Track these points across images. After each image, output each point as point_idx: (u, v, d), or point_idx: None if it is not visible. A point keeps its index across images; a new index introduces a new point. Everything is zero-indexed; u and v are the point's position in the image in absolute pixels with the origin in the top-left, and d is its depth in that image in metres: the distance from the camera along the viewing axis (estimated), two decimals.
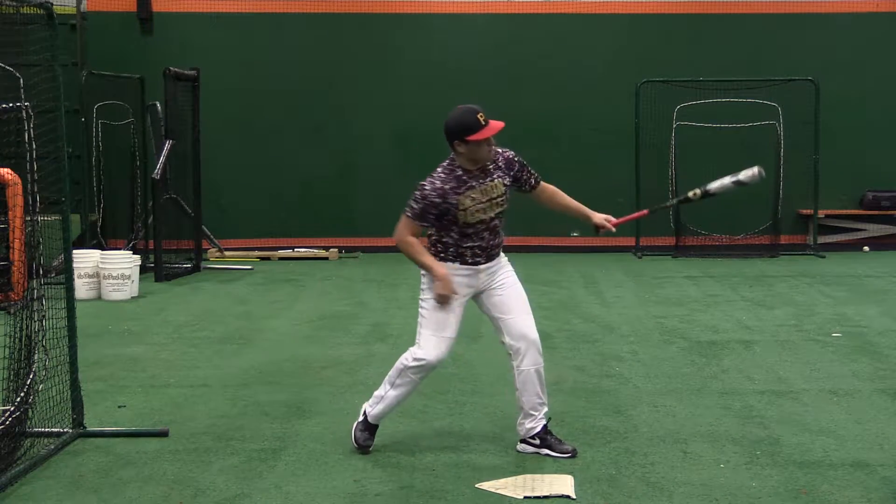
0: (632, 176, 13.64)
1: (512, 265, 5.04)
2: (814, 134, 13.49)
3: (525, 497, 4.36)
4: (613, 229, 5.16)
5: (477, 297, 4.94)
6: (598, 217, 5.20)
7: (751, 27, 14.07)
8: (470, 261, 4.83)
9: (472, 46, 14.11)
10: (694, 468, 4.74)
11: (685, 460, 4.85)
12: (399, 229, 4.79)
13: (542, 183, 5.12)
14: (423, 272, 4.86)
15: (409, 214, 4.77)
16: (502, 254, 5.01)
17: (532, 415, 4.92)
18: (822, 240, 13.83)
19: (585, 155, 14.07)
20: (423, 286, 4.89)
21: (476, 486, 4.51)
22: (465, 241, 4.80)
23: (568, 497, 4.36)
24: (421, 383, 4.98)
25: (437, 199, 4.70)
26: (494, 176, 4.83)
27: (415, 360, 4.83)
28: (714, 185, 5.31)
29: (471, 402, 5.92)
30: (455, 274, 4.80)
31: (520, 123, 14.04)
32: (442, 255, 4.84)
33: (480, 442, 5.18)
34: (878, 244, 14.08)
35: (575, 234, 14.18)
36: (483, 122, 4.68)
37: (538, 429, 4.92)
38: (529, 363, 4.84)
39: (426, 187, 4.73)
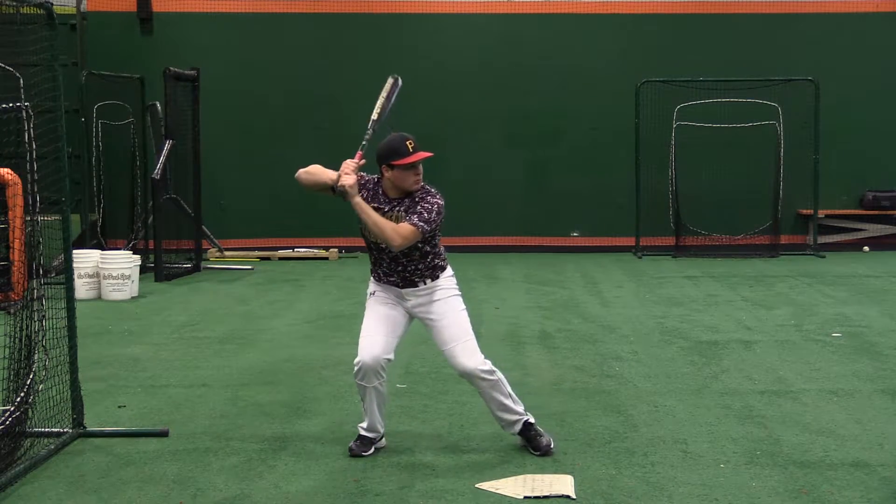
0: (632, 176, 13.65)
1: (457, 289, 5.00)
2: (814, 134, 13.50)
3: (525, 497, 4.36)
4: (351, 173, 4.81)
5: (416, 317, 4.99)
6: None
7: (751, 27, 14.08)
8: (383, 280, 4.96)
9: (472, 46, 14.12)
10: (694, 468, 4.74)
11: (685, 460, 4.85)
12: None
13: (405, 223, 4.71)
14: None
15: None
16: (442, 282, 4.94)
17: (504, 427, 5.02)
18: (822, 240, 13.83)
19: (585, 155, 14.08)
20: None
21: (476, 486, 4.51)
22: (371, 255, 4.96)
23: (568, 497, 4.36)
24: (383, 388, 4.92)
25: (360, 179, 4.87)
26: (403, 207, 4.79)
27: (354, 364, 4.89)
28: (376, 113, 4.98)
29: (471, 402, 5.92)
30: (380, 288, 4.98)
31: (520, 123, 14.11)
32: (371, 271, 5.03)
33: (480, 442, 5.18)
34: (878, 244, 14.08)
35: (575, 234, 14.19)
36: (410, 150, 4.75)
37: (519, 427, 4.99)
38: (479, 387, 4.92)
39: (364, 176, 4.89)
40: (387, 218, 4.77)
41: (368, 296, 5.02)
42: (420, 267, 4.89)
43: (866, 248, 14.05)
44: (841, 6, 14.06)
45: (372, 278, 5.04)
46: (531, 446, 4.96)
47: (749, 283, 10.94)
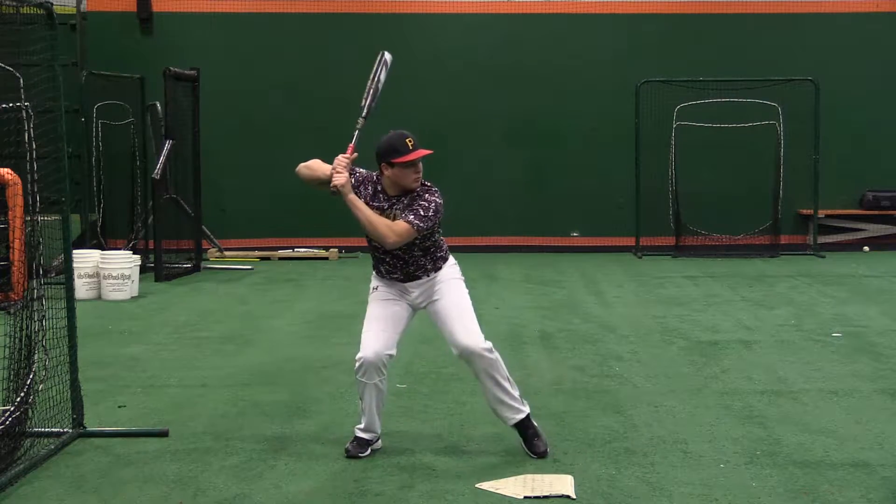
0: (632, 176, 13.65)
1: (461, 276, 5.05)
2: (814, 134, 13.50)
3: (525, 497, 4.36)
4: (343, 171, 4.78)
5: (425, 310, 4.99)
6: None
7: (751, 27, 14.08)
8: (385, 276, 4.97)
9: (472, 46, 14.11)
10: (694, 468, 4.74)
11: (685, 460, 4.85)
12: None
13: (400, 221, 4.72)
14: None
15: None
16: (444, 272, 4.96)
17: (503, 417, 4.95)
18: (822, 240, 13.83)
19: (585, 155, 14.07)
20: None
21: (476, 486, 4.51)
22: (374, 253, 4.96)
23: (568, 497, 4.36)
24: (383, 385, 4.91)
25: (356, 177, 4.88)
26: (401, 205, 4.79)
27: (356, 361, 4.88)
28: (365, 99, 4.96)
29: (471, 402, 5.92)
30: (384, 284, 4.98)
31: (520, 123, 14.11)
32: (372, 265, 5.03)
33: (480, 442, 5.18)
34: (878, 244, 14.08)
35: (575, 234, 14.19)
36: (410, 147, 4.73)
37: (519, 419, 4.94)
38: (478, 368, 4.86)
39: (362, 173, 4.91)
40: (386, 216, 4.77)
41: (371, 291, 5.01)
42: (422, 262, 4.91)
43: (866, 248, 14.05)
44: (841, 6, 14.06)
45: (374, 274, 5.04)
46: (527, 446, 4.92)
47: (749, 283, 10.94)
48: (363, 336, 4.90)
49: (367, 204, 4.80)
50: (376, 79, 5.04)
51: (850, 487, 4.47)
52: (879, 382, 6.39)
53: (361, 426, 4.98)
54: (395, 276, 4.94)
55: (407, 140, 4.75)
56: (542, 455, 4.89)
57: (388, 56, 5.13)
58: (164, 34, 13.86)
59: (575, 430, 5.35)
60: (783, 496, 4.37)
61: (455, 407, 5.85)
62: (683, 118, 13.69)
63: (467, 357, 4.86)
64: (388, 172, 4.78)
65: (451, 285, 4.96)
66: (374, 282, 5.04)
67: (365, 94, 5.00)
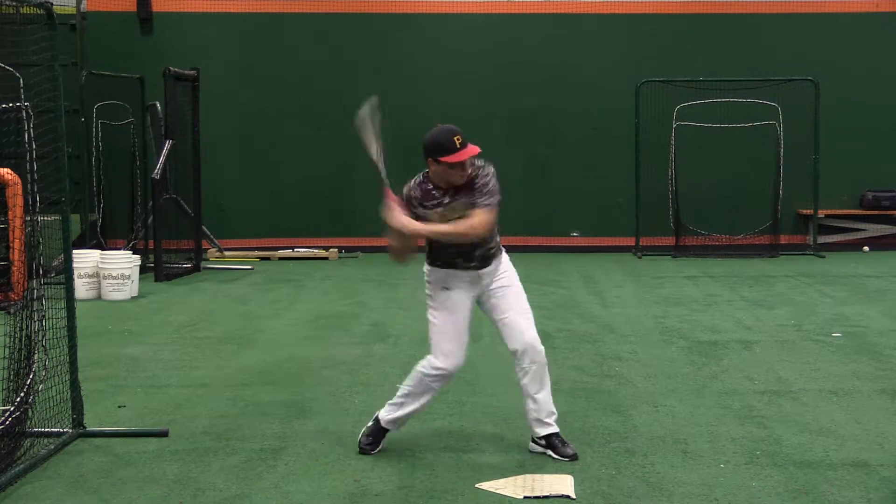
0: (632, 176, 13.66)
1: (513, 265, 5.03)
2: (814, 134, 13.50)
3: (525, 497, 4.36)
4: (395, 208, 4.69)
5: (479, 299, 4.92)
6: None
7: (751, 27, 14.08)
8: (461, 266, 4.78)
9: (472, 46, 14.12)
10: (694, 468, 4.74)
11: (685, 460, 4.85)
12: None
13: (476, 211, 4.63)
14: (426, 281, 4.84)
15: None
16: (503, 255, 4.94)
17: (546, 422, 4.86)
18: (822, 240, 13.84)
19: (585, 155, 14.08)
20: (427, 291, 4.86)
21: (476, 486, 4.51)
22: (448, 248, 4.76)
23: (568, 497, 4.36)
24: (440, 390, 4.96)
25: (405, 203, 4.73)
26: (462, 194, 4.68)
27: (434, 369, 4.81)
28: (373, 151, 4.77)
29: (471, 402, 5.92)
30: (454, 280, 4.79)
31: (520, 123, 14.11)
32: (438, 263, 4.81)
33: (480, 442, 5.18)
34: (878, 244, 14.08)
35: (575, 234, 14.20)
36: (458, 146, 4.57)
37: (551, 430, 4.88)
38: (529, 367, 4.79)
39: (403, 191, 4.75)
40: (449, 208, 4.65)
41: (441, 291, 4.78)
42: (496, 241, 4.82)
43: (866, 248, 14.06)
44: (841, 6, 14.06)
45: (438, 270, 4.80)
46: (557, 454, 4.84)
47: (749, 283, 10.94)
48: (446, 345, 4.77)
49: (423, 206, 4.67)
50: (374, 128, 4.81)
51: (850, 487, 4.47)
52: (879, 382, 6.39)
53: (392, 417, 4.91)
54: (473, 264, 4.76)
55: (455, 138, 4.55)
56: (574, 457, 4.83)
57: (369, 106, 4.84)
58: (164, 34, 13.87)
59: (575, 430, 5.34)
60: (783, 496, 4.37)
61: (455, 407, 5.84)
62: (683, 118, 13.69)
63: (522, 353, 4.77)
64: (434, 168, 4.64)
65: (514, 275, 4.91)
66: (444, 280, 4.80)
67: (372, 148, 4.77)
